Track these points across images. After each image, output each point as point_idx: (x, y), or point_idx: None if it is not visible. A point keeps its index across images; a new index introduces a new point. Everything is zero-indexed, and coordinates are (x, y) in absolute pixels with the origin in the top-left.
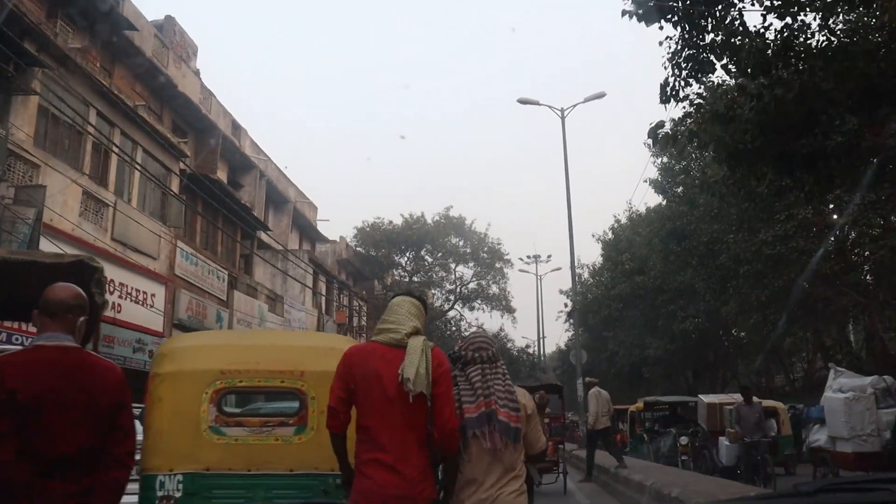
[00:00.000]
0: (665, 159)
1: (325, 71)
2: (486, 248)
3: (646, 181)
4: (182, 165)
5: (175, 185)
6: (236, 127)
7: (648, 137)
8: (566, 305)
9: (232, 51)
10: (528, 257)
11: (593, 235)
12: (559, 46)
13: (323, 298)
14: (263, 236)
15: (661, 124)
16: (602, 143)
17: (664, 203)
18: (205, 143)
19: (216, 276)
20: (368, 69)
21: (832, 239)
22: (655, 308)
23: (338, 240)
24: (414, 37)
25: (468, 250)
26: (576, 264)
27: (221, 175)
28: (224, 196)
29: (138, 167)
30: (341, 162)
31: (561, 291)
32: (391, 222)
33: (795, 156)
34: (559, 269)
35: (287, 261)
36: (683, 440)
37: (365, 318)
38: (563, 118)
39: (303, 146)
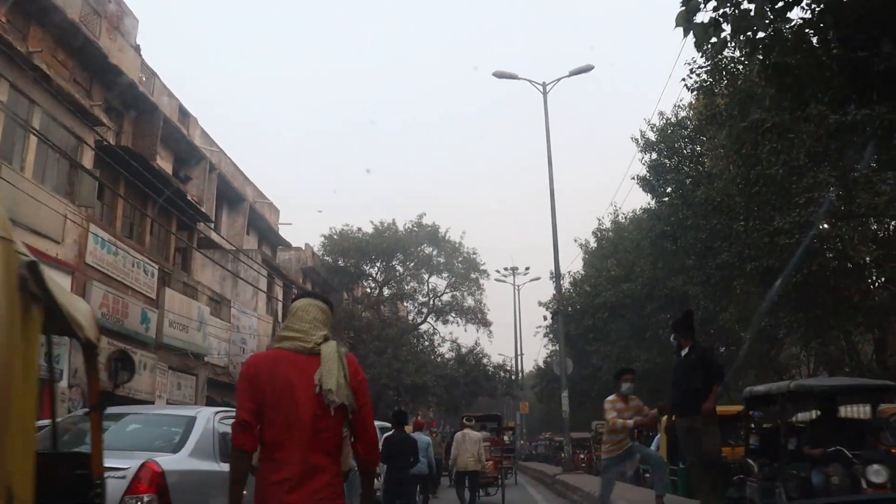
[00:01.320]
0: (654, 155)
1: (294, 81)
2: (460, 258)
3: (633, 178)
4: (98, 136)
5: (88, 159)
6: (185, 114)
7: (677, 26)
8: (545, 318)
9: (202, 47)
10: (506, 269)
11: (575, 240)
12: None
13: (280, 304)
14: (214, 235)
15: (696, 6)
16: (586, 143)
17: (653, 203)
18: (144, 125)
19: (143, 270)
20: (339, 73)
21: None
22: (643, 317)
23: (303, 247)
24: (389, 44)
25: (442, 260)
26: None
27: (165, 164)
28: (154, 178)
29: (34, 131)
30: (310, 173)
31: (540, 303)
32: (360, 229)
33: (871, 73)
34: (538, 278)
35: (238, 261)
36: (877, 473)
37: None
38: (545, 93)
39: (268, 153)
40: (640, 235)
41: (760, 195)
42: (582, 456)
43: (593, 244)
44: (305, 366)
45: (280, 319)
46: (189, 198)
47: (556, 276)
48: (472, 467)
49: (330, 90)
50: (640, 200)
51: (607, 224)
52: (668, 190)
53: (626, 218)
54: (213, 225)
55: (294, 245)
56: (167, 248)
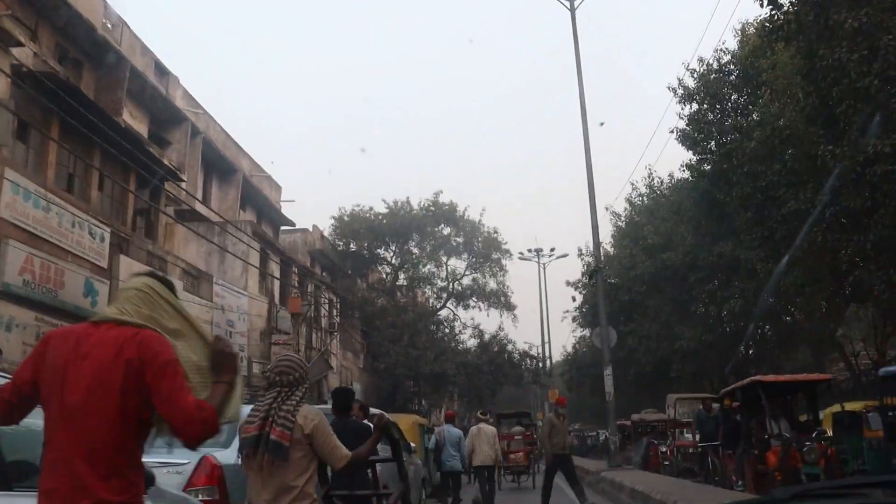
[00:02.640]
0: (694, 106)
1: (297, 77)
2: (480, 238)
3: (671, 131)
4: (15, 60)
5: (2, 86)
6: (163, 71)
7: None
8: (574, 299)
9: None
10: (529, 250)
11: (607, 208)
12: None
13: (276, 283)
14: (199, 206)
15: None
16: (615, 106)
17: (695, 159)
18: (108, 78)
19: (87, 232)
20: (342, 69)
21: None
22: (686, 290)
23: (310, 228)
24: (392, 39)
25: (460, 240)
26: (585, 247)
27: (140, 125)
28: (99, 120)
29: None
30: (314, 168)
31: (568, 283)
32: (371, 209)
33: None
34: (566, 255)
35: (226, 234)
36: None
37: (337, 316)
38: (572, 10)
39: (272, 149)
40: (681, 196)
41: (847, 117)
42: (664, 449)
43: (624, 213)
44: (100, 339)
45: (277, 301)
46: (166, 161)
47: (594, 227)
48: (487, 462)
49: (333, 86)
50: (678, 160)
51: (642, 188)
52: (712, 145)
53: (661, 182)
54: (183, 185)
55: (300, 226)
56: (124, 209)
